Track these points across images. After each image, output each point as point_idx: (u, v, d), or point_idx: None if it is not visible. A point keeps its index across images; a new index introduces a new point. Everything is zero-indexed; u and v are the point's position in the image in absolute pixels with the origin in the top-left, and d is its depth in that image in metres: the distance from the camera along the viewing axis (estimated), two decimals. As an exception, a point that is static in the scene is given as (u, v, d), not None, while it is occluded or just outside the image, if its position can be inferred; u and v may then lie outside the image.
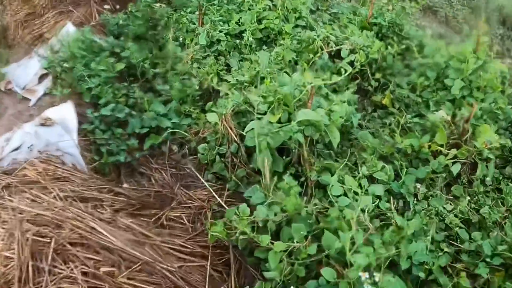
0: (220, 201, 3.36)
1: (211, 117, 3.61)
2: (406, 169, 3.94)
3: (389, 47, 5.10)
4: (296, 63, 4.97)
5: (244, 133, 3.46)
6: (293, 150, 3.42)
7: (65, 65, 4.21)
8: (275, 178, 3.16)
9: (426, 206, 3.80)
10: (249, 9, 5.66)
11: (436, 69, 4.96)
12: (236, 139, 3.51)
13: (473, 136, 4.07)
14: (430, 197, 3.89)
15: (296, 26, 5.63)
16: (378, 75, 4.93)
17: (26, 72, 4.36)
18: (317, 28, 5.51)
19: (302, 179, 3.46)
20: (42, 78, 4.36)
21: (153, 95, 4.39)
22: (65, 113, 3.84)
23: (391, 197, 3.73)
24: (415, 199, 3.84)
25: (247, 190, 3.26)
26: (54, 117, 3.75)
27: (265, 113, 3.48)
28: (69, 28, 4.75)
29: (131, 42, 4.84)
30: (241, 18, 5.50)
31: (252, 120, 3.49)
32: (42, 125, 3.68)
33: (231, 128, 3.51)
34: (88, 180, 3.26)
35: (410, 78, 5.08)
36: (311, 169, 3.37)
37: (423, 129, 4.44)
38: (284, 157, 3.41)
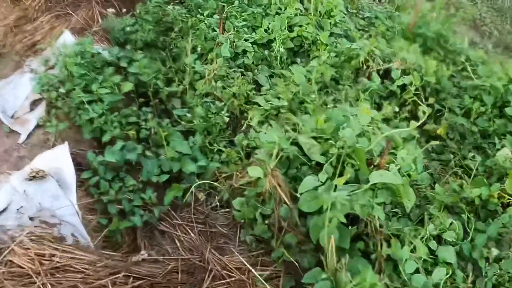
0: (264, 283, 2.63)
1: (254, 172, 2.86)
2: (474, 223, 3.32)
3: (443, 67, 4.39)
4: (337, 81, 4.26)
5: (297, 194, 2.75)
6: (362, 219, 2.72)
7: (61, 90, 3.37)
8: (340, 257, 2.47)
9: (498, 270, 3.20)
10: (277, 13, 4.85)
11: (494, 93, 4.29)
12: (286, 200, 2.78)
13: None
14: (502, 259, 3.28)
15: (331, 34, 4.87)
16: (431, 100, 4.23)
17: (16, 94, 3.48)
18: (356, 38, 4.78)
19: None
20: (34, 103, 3.51)
21: (170, 121, 3.61)
22: (61, 161, 3.01)
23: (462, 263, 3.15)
24: (487, 262, 3.23)
25: (307, 275, 2.54)
26: (47, 168, 2.96)
27: (319, 165, 2.79)
28: (67, 37, 3.86)
29: (140, 52, 4.03)
30: (270, 24, 4.69)
31: (304, 173, 2.80)
32: (34, 177, 2.90)
33: (279, 185, 2.78)
34: (96, 264, 2.48)
35: (462, 101, 4.41)
36: (381, 240, 2.69)
37: (486, 169, 3.83)
38: (349, 227, 2.71)
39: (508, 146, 3.94)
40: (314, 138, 3.03)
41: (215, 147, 3.56)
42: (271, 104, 3.75)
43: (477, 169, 3.72)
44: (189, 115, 3.66)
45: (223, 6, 4.76)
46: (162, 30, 4.51)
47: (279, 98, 3.81)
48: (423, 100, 4.18)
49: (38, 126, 3.39)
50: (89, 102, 3.39)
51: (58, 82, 3.47)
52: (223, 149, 3.54)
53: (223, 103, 3.86)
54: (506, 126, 4.18)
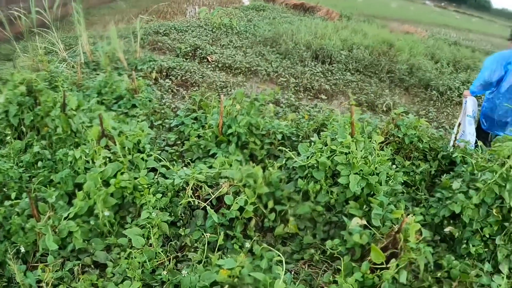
0: None
1: None
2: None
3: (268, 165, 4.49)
4: (177, 225, 4.08)
5: None
6: None
7: None
8: None
9: None
10: (86, 169, 4.50)
11: (322, 167, 4.45)
12: None
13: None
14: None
15: (150, 170, 4.69)
16: (270, 204, 4.26)
17: None
18: (174, 167, 4.68)
19: None
20: None
21: None
22: None
23: None
24: None
25: None
26: None
27: None
28: None
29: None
30: (84, 185, 4.26)
31: None
32: None
33: None
34: None
35: (296, 185, 4.51)
36: None
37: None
38: None
39: (355, 212, 4.11)
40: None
41: None
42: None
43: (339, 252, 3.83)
44: None
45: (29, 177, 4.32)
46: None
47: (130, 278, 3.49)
48: (263, 209, 4.20)
49: None
50: None
51: None
52: None
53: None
54: (344, 194, 4.35)
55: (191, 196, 4.17)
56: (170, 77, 9.22)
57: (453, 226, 4.27)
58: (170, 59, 10.27)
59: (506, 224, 4.03)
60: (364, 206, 4.14)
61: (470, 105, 5.88)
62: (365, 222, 3.89)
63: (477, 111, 6.05)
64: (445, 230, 4.27)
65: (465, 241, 4.14)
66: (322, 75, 10.72)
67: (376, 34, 15.50)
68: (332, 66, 11.64)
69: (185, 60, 10.74)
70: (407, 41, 14.87)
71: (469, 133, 5.76)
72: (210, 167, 4.65)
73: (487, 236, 4.07)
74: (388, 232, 3.75)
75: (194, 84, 9.09)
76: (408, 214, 3.81)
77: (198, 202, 4.12)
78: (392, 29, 19.40)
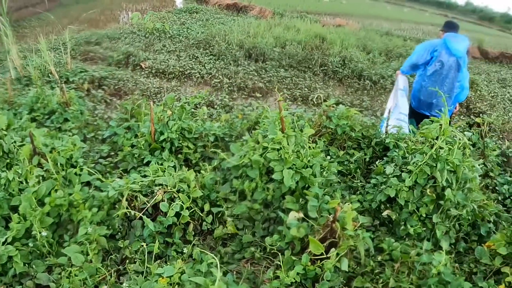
0: None
1: None
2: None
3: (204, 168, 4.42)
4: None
5: None
6: None
7: None
8: None
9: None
10: (20, 190, 4.26)
11: (256, 165, 4.42)
12: None
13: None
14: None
15: (84, 185, 4.52)
16: (206, 207, 4.20)
17: None
18: (108, 179, 4.52)
19: None
20: None
21: None
22: None
23: None
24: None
25: None
26: None
27: None
28: None
29: None
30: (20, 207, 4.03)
31: None
32: None
33: None
34: None
35: (232, 185, 4.47)
36: None
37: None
38: None
39: (291, 206, 4.10)
40: None
41: None
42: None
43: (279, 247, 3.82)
44: None
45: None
46: None
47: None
48: (200, 212, 4.14)
49: None
50: None
51: None
52: None
53: None
54: (280, 189, 4.34)
55: (126, 207, 4.04)
56: (103, 87, 8.91)
57: (390, 210, 4.37)
58: (102, 69, 9.96)
59: (441, 202, 4.16)
60: (300, 200, 4.14)
61: (402, 81, 6.61)
62: (302, 215, 3.89)
63: (408, 88, 6.75)
64: (383, 214, 4.37)
65: (403, 222, 4.23)
66: (256, 74, 10.75)
67: (309, 29, 15.67)
68: (266, 64, 11.68)
69: (118, 68, 10.44)
70: (339, 34, 15.13)
71: (402, 105, 6.35)
72: (145, 176, 4.54)
73: (424, 215, 4.20)
74: (325, 223, 3.76)
75: (127, 92, 8.87)
76: (346, 203, 3.86)
77: (134, 213, 3.99)
78: (324, 23, 19.70)
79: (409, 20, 36.65)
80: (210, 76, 10.32)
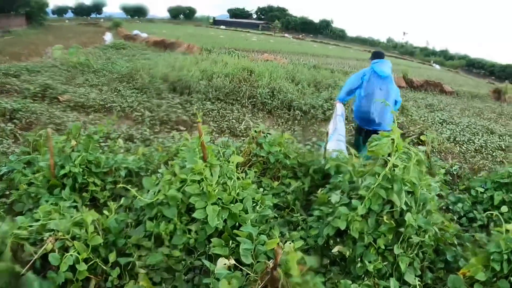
0: None
1: None
2: None
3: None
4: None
5: None
6: None
7: None
8: None
9: None
10: None
11: (173, 204, 3.64)
12: None
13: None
14: None
15: None
16: (111, 257, 3.34)
17: None
18: None
19: None
20: None
21: None
22: None
23: None
24: None
25: None
26: None
27: None
28: None
29: None
30: None
31: None
32: None
33: None
34: None
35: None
36: None
37: None
38: None
39: (219, 251, 3.33)
40: None
41: None
42: None
43: None
44: None
45: None
46: None
47: None
48: (103, 265, 3.27)
49: None
50: None
51: None
52: None
53: None
54: (204, 231, 3.56)
55: (11, 259, 3.10)
56: (14, 120, 8.05)
57: (341, 245, 3.72)
58: (15, 101, 9.03)
59: (401, 229, 3.58)
60: (231, 242, 3.39)
61: (339, 108, 7.11)
62: (234, 262, 3.13)
63: (345, 113, 7.33)
64: (333, 251, 3.72)
65: (359, 258, 3.59)
66: (180, 106, 10.19)
67: (237, 62, 15.37)
68: (191, 97, 11.18)
69: (33, 101, 9.54)
70: (267, 67, 14.89)
71: (340, 128, 6.76)
72: (37, 220, 3.61)
73: (383, 247, 3.57)
74: (263, 270, 2.99)
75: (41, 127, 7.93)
76: (286, 242, 3.15)
77: (19, 267, 3.05)
78: (253, 59, 19.50)
79: (335, 55, 37.98)
80: (131, 109, 9.56)
